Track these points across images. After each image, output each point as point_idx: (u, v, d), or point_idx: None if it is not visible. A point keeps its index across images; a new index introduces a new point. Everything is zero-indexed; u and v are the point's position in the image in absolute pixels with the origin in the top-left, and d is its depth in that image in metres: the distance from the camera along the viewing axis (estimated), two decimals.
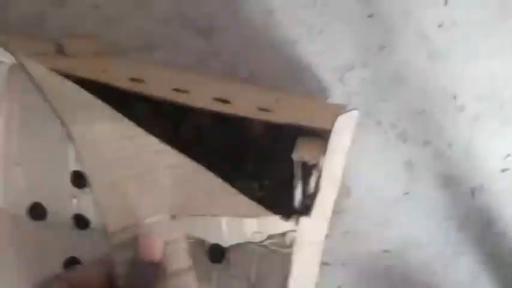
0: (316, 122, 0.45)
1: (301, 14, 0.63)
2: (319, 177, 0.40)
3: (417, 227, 0.63)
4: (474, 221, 0.62)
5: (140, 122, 0.51)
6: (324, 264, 0.64)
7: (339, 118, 0.40)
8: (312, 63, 0.63)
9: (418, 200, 0.63)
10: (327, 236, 0.65)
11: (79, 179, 0.41)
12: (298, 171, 0.41)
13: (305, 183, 0.41)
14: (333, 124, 0.43)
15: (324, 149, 0.41)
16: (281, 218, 0.40)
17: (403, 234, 0.64)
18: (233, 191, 0.40)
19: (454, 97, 0.61)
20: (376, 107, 0.63)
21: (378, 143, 0.63)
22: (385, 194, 0.63)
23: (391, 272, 0.64)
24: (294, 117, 0.45)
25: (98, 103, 0.41)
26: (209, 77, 0.62)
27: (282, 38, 0.63)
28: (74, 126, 0.37)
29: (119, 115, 0.40)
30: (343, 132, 0.41)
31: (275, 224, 0.40)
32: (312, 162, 0.40)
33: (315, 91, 0.63)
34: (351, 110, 0.41)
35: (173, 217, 0.35)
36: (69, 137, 0.37)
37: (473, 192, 0.62)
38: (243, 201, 0.40)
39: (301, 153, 0.41)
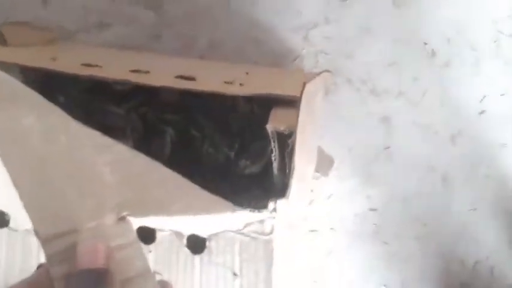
0: (287, 90, 0.42)
1: None
2: (292, 147, 0.37)
3: (401, 181, 0.62)
4: (458, 168, 0.61)
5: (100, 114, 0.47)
6: (312, 231, 0.62)
7: (307, 84, 0.37)
8: (274, 25, 0.60)
9: (399, 154, 0.61)
10: (311, 202, 0.63)
11: None
12: (274, 143, 0.38)
13: (282, 157, 0.38)
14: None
15: (295, 117, 0.38)
16: (251, 211, 0.37)
17: (388, 190, 0.62)
18: (193, 186, 0.36)
19: (425, 43, 0.59)
20: (344, 63, 0.61)
21: (351, 101, 0.61)
22: (365, 151, 0.61)
23: (381, 230, 0.62)
24: (265, 88, 0.42)
25: (28, 92, 0.36)
26: (170, 55, 0.58)
27: (239, 1, 0.60)
28: None
29: (52, 106, 0.35)
30: (313, 97, 0.38)
31: (250, 213, 0.38)
32: (286, 131, 0.37)
33: (280, 54, 0.60)
34: (322, 72, 0.38)
35: (122, 219, 0.31)
36: None
37: (453, 138, 0.61)
38: (205, 197, 0.36)
39: (274, 123, 0.38)
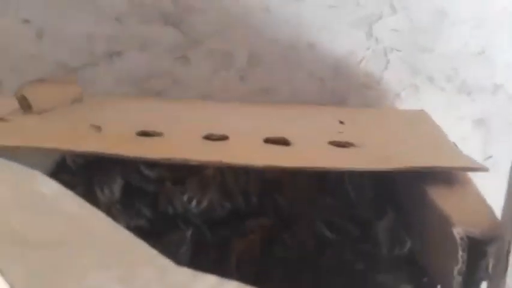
0: (442, 159, 0.30)
1: None
2: (504, 261, 0.24)
3: None
4: None
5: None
6: None
7: None
8: (327, 23, 0.47)
9: (505, 162, 0.49)
10: None
11: None
12: (462, 253, 0.25)
13: (472, 271, 0.25)
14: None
15: (486, 208, 0.27)
16: None
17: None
18: None
19: None
20: (422, 59, 0.48)
21: (436, 104, 0.49)
22: None
23: None
24: (407, 157, 0.30)
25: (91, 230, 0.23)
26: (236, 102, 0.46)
27: (281, 0, 0.47)
28: None
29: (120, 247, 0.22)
30: None
31: None
32: (487, 236, 0.25)
33: (340, 57, 0.48)
34: None
35: None
36: None
37: None
38: None
39: (465, 225, 0.25)
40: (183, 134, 0.32)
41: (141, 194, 0.35)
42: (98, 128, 0.31)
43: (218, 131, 0.32)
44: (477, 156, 0.49)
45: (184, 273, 0.18)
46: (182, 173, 0.36)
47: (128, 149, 0.28)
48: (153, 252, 0.19)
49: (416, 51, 0.48)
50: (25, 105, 0.33)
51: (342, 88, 0.48)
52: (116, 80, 0.48)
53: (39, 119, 0.33)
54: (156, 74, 0.48)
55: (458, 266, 0.25)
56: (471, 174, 0.36)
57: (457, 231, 0.25)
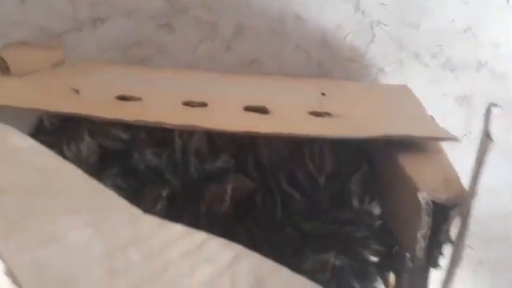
0: (411, 127, 0.31)
1: None
2: (464, 227, 0.25)
3: (491, 175, 0.50)
4: None
5: None
6: None
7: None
8: None
9: None
10: None
11: None
12: (426, 218, 0.26)
13: (436, 235, 0.26)
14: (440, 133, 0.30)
15: (454, 175, 0.28)
16: None
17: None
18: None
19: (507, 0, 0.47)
20: (408, 34, 0.48)
21: (420, 80, 0.49)
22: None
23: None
24: (377, 124, 0.30)
25: (70, 186, 0.22)
26: (217, 72, 0.46)
27: None
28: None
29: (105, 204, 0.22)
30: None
31: None
32: (452, 202, 0.25)
33: (328, 31, 0.48)
34: (492, 106, 0.27)
35: None
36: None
37: None
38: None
39: (431, 190, 0.26)
40: (162, 99, 0.32)
41: (116, 156, 0.35)
42: (77, 92, 0.31)
43: (198, 98, 0.32)
44: (458, 133, 0.50)
45: (153, 222, 0.19)
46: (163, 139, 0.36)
47: (103, 111, 0.28)
48: (124, 203, 0.20)
49: (403, 26, 0.48)
50: (3, 67, 0.33)
51: (328, 61, 0.48)
52: (99, 47, 0.48)
53: (17, 80, 0.33)
54: (140, 42, 0.47)
55: (423, 231, 0.26)
56: (449, 150, 0.37)
57: (422, 196, 0.26)
